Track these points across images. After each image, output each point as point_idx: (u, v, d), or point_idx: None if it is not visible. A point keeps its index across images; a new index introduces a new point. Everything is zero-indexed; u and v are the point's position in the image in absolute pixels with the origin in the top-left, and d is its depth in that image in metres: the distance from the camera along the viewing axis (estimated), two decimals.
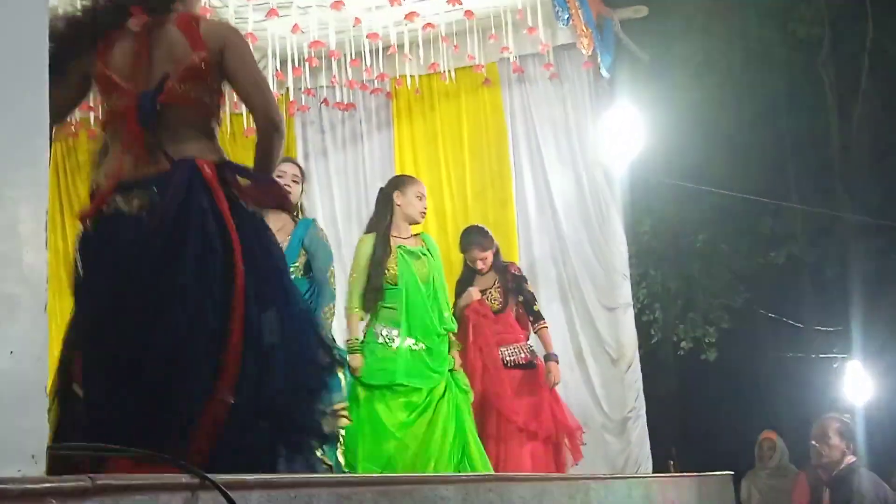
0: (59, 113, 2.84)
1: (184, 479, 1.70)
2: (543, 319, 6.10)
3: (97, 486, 1.46)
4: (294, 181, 5.00)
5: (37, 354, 1.47)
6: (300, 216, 5.08)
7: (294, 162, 5.36)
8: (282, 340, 2.60)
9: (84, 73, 2.83)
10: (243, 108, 7.06)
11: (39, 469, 1.46)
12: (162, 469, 1.78)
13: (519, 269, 6.34)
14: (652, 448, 7.45)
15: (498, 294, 5.97)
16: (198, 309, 2.52)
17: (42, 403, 1.48)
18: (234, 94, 2.91)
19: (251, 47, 2.91)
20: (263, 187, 2.78)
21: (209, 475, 1.73)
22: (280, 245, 3.01)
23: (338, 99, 7.62)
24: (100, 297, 2.63)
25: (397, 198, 5.32)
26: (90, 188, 2.83)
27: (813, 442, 6.06)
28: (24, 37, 1.59)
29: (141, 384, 2.47)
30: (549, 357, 5.97)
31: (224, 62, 2.75)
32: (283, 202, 2.93)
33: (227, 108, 7.59)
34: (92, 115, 7.36)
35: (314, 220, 5.25)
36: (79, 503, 1.43)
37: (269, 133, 2.81)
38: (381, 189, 5.50)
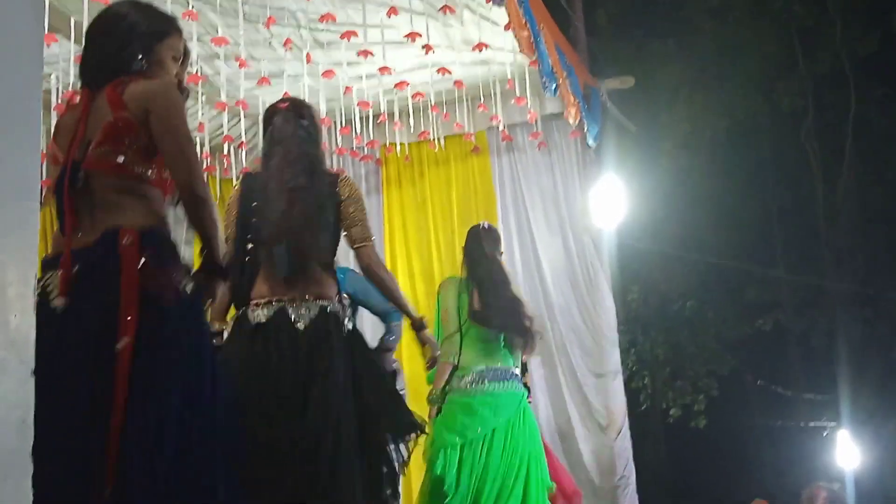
0: None
1: None
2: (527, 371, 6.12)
3: None
4: None
5: (21, 417, 1.47)
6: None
7: None
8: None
9: None
10: (233, 174, 7.14)
11: None
12: None
13: None
14: None
15: None
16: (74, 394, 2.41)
17: (26, 469, 1.47)
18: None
19: (182, 105, 2.71)
20: (160, 271, 2.56)
21: None
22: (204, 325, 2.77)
23: (328, 165, 7.65)
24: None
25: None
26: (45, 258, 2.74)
27: None
28: (18, 101, 1.61)
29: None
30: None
31: (149, 125, 2.63)
32: (170, 294, 2.57)
33: (218, 174, 7.66)
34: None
35: (349, 269, 4.96)
36: None
37: (191, 204, 2.64)
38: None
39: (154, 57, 2.82)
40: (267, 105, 6.77)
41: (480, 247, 5.16)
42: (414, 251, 7.88)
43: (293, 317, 3.41)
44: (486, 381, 4.95)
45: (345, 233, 3.64)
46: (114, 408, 2.36)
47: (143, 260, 2.51)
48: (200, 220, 2.66)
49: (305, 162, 3.63)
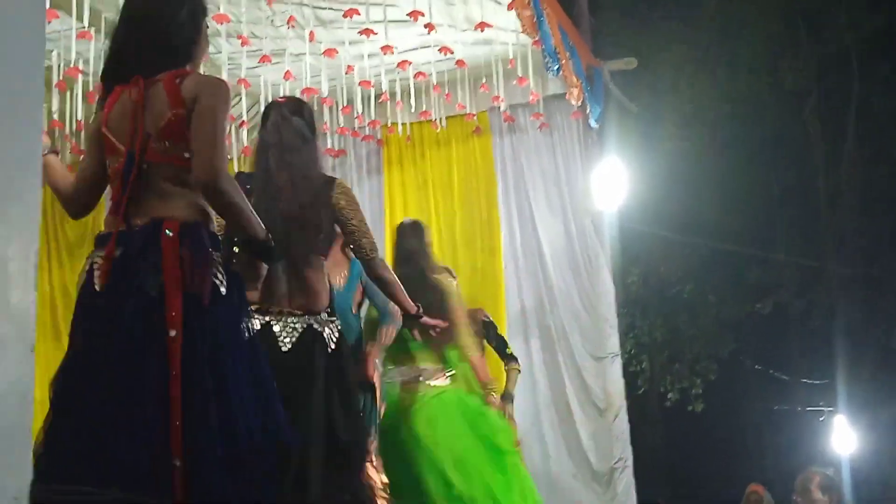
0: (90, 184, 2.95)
1: None
2: (516, 361, 6.13)
3: None
4: None
5: (22, 394, 1.46)
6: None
7: None
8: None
9: (98, 127, 2.89)
10: (234, 153, 7.12)
11: None
12: None
13: (487, 314, 6.33)
14: (639, 499, 7.38)
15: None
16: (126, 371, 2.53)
17: (26, 444, 1.47)
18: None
19: (227, 103, 2.79)
20: (194, 267, 2.64)
21: None
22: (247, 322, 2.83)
23: (329, 145, 7.65)
24: (72, 349, 2.69)
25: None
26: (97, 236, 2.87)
27: (795, 497, 6.03)
28: (20, 74, 1.60)
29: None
30: (507, 396, 5.93)
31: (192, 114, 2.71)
32: (200, 290, 2.63)
33: None
34: (82, 157, 7.38)
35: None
36: None
37: (210, 195, 2.70)
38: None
39: (202, 35, 2.91)
40: (269, 84, 6.84)
41: (401, 244, 5.15)
42: None
43: (279, 335, 3.40)
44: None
45: (351, 245, 3.66)
46: (171, 387, 2.48)
47: (182, 254, 2.62)
48: (224, 210, 2.74)
49: (298, 165, 3.56)
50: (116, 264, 2.63)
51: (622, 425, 7.37)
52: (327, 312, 3.52)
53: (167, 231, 2.62)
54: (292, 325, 3.43)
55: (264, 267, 2.94)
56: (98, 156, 2.90)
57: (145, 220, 2.67)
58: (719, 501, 10.40)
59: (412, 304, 3.93)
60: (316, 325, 3.45)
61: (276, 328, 3.41)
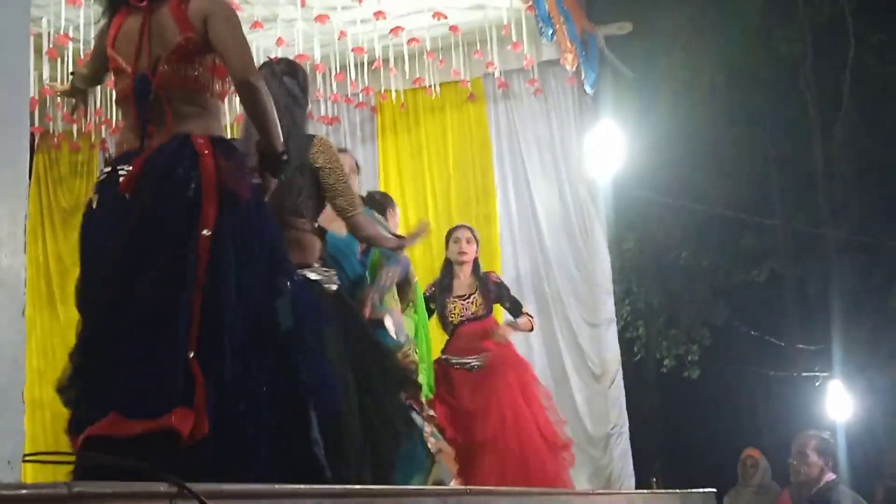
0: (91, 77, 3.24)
1: (162, 487, 1.67)
2: (530, 315, 6.24)
3: (73, 494, 1.44)
4: (351, 172, 4.70)
5: (13, 357, 1.45)
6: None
7: (349, 153, 5.16)
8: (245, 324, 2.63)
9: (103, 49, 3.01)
10: (228, 120, 7.07)
11: (15, 475, 1.43)
12: (141, 477, 1.75)
13: (498, 276, 6.36)
14: (635, 465, 7.43)
15: (481, 299, 5.97)
16: (157, 278, 2.59)
17: (18, 408, 1.46)
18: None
19: (236, 14, 2.92)
20: (236, 173, 2.75)
21: (188, 484, 1.70)
22: (271, 229, 2.92)
23: (322, 113, 7.62)
24: (87, 266, 2.77)
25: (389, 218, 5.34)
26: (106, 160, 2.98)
27: (791, 460, 6.05)
28: (5, 39, 1.57)
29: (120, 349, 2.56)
30: (513, 323, 6.13)
31: (208, 34, 2.82)
32: (247, 193, 2.76)
33: None
34: (74, 127, 7.34)
35: (371, 210, 4.99)
36: None
37: (245, 92, 2.82)
38: None
39: None
40: (261, 50, 6.78)
41: None
42: (410, 199, 7.85)
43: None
44: None
45: (328, 204, 3.67)
46: (196, 288, 2.54)
47: (217, 159, 2.70)
48: (255, 108, 2.85)
49: (284, 125, 3.53)
50: (147, 170, 2.69)
51: (618, 391, 7.40)
52: (319, 263, 3.60)
53: (199, 140, 2.72)
54: None
55: (273, 182, 3.03)
56: (98, 70, 3.14)
57: (166, 139, 2.75)
58: (715, 466, 10.44)
59: (396, 240, 4.11)
60: (313, 275, 3.51)
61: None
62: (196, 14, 2.81)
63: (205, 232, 2.59)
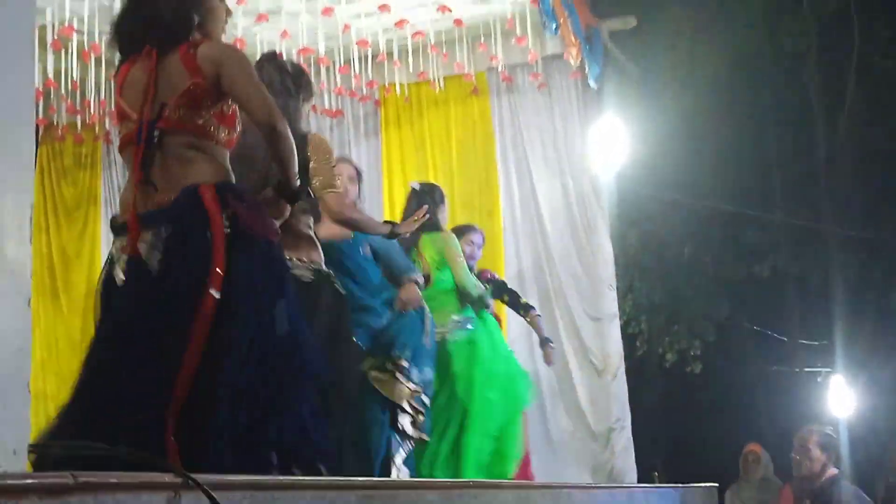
0: None
1: (167, 478, 1.68)
2: (533, 308, 6.22)
3: (79, 484, 1.44)
4: (350, 181, 4.79)
5: (18, 346, 1.46)
6: None
7: (350, 162, 5.19)
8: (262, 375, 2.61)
9: None
10: None
11: (20, 464, 1.44)
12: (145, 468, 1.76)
13: (491, 272, 6.36)
14: (636, 459, 7.43)
15: None
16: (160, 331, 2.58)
17: (24, 397, 1.46)
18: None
19: (249, 60, 2.96)
20: (253, 214, 2.78)
21: (192, 475, 1.71)
22: (288, 272, 3.01)
23: (326, 106, 7.61)
24: (108, 330, 2.75)
25: (440, 211, 5.35)
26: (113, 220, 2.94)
27: (793, 454, 6.06)
28: (11, 30, 1.58)
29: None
30: (545, 341, 6.17)
31: (221, 83, 2.82)
32: (268, 232, 2.82)
33: None
34: (79, 118, 7.35)
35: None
36: (60, 500, 1.41)
37: (271, 139, 2.88)
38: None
39: (205, 7, 2.96)
40: (265, 43, 6.78)
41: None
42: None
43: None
44: None
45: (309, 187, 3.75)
46: (191, 346, 2.52)
47: (230, 209, 2.70)
48: (281, 153, 2.92)
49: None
50: (167, 243, 2.67)
51: (620, 386, 7.40)
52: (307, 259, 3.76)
53: (208, 194, 2.70)
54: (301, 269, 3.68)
55: (287, 209, 3.15)
56: None
57: (175, 193, 2.72)
58: (717, 461, 10.45)
59: (387, 226, 4.25)
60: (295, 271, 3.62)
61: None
62: (206, 60, 2.81)
63: (213, 293, 2.58)
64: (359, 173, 4.96)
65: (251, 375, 2.57)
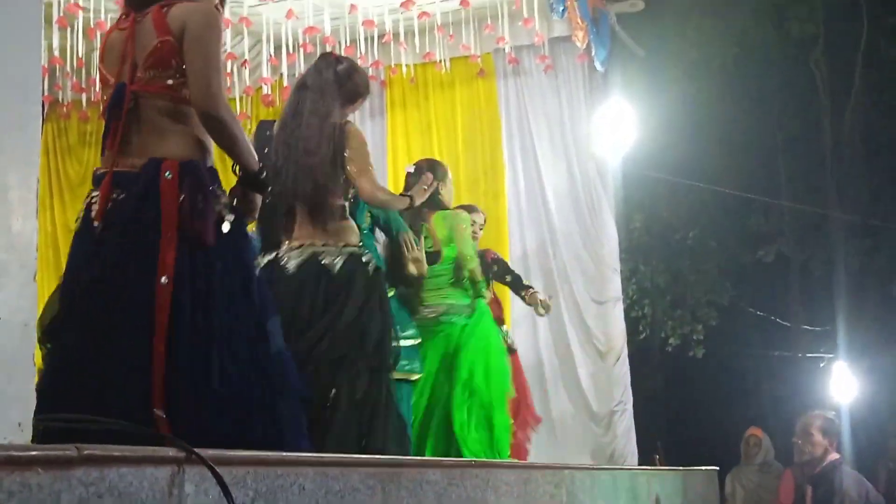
0: None
1: (170, 452, 1.69)
2: (532, 287, 6.16)
3: (83, 457, 1.45)
4: None
5: (24, 321, 1.46)
6: None
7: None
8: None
9: None
10: (236, 93, 7.07)
11: (25, 437, 1.45)
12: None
13: (495, 253, 6.33)
14: (637, 442, 7.46)
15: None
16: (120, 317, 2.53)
17: (29, 371, 1.47)
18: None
19: (219, 29, 2.75)
20: (200, 216, 2.62)
21: (196, 450, 1.72)
22: (252, 251, 2.94)
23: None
24: (64, 291, 2.68)
25: (441, 188, 5.30)
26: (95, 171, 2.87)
27: (795, 439, 6.07)
28: (17, 6, 1.58)
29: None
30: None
31: (182, 44, 2.69)
32: (193, 230, 2.64)
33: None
34: (84, 96, 7.34)
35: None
36: (64, 472, 1.42)
37: (210, 125, 2.68)
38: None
39: None
40: (270, 22, 6.77)
41: None
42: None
43: (324, 261, 3.76)
44: None
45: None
46: (156, 338, 2.47)
47: (182, 197, 2.59)
48: (220, 139, 2.73)
49: (318, 115, 3.86)
50: (116, 205, 2.62)
51: (623, 369, 7.42)
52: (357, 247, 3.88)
53: (167, 174, 2.60)
54: (336, 253, 3.81)
55: (258, 199, 2.88)
56: None
57: (143, 159, 2.65)
58: (718, 445, 10.48)
59: (405, 200, 4.27)
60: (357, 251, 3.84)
61: (325, 260, 3.78)
62: (176, 18, 2.69)
63: (163, 280, 2.50)
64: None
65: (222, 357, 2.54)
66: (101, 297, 2.54)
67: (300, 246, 3.82)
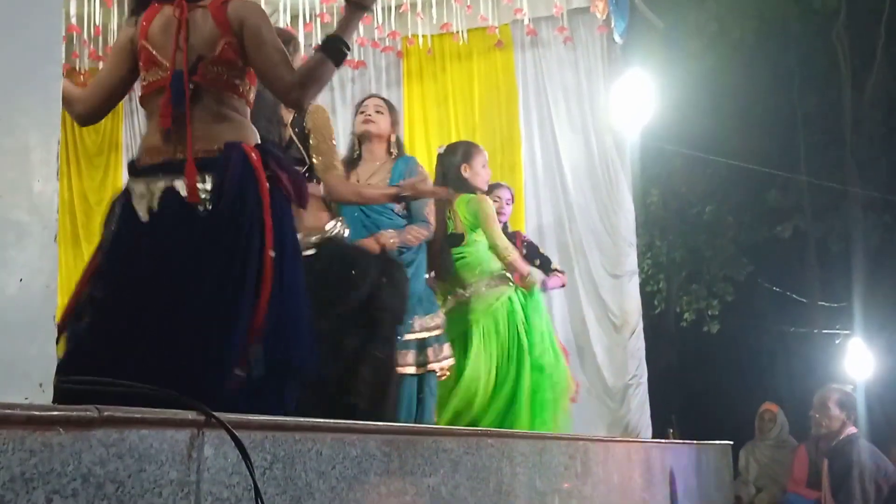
0: (112, 85, 2.96)
1: (190, 415, 1.70)
2: (560, 270, 6.13)
3: (103, 417, 1.46)
4: (378, 112, 4.71)
5: (45, 283, 1.46)
6: (397, 153, 4.78)
7: (377, 95, 5.15)
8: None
9: (131, 39, 2.91)
10: None
11: (46, 397, 1.46)
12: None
13: (526, 236, 6.32)
14: (652, 416, 7.47)
15: None
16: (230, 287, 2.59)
17: (50, 332, 1.48)
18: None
19: (268, 20, 2.86)
20: (293, 180, 2.79)
21: (215, 413, 1.73)
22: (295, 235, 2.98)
23: (349, 56, 7.56)
24: (133, 266, 2.69)
25: (465, 170, 5.26)
26: (131, 161, 2.90)
27: (813, 413, 6.07)
28: None
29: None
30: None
31: (245, 44, 2.78)
32: (301, 201, 2.84)
33: None
34: (101, 64, 7.33)
35: (414, 158, 5.01)
36: (84, 433, 1.43)
37: (299, 105, 2.99)
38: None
39: None
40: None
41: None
42: (434, 147, 7.81)
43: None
44: None
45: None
46: (259, 305, 2.56)
47: (282, 174, 2.74)
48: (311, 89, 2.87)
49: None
50: (214, 189, 2.66)
51: (638, 343, 7.42)
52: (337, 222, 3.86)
53: (254, 155, 2.70)
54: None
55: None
56: (123, 66, 2.93)
57: (211, 145, 2.70)
58: (733, 420, 10.48)
59: (390, 193, 4.12)
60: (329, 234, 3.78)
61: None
62: (233, 18, 2.77)
63: (271, 253, 2.61)
64: (390, 106, 4.85)
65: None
66: (204, 269, 2.58)
67: None
